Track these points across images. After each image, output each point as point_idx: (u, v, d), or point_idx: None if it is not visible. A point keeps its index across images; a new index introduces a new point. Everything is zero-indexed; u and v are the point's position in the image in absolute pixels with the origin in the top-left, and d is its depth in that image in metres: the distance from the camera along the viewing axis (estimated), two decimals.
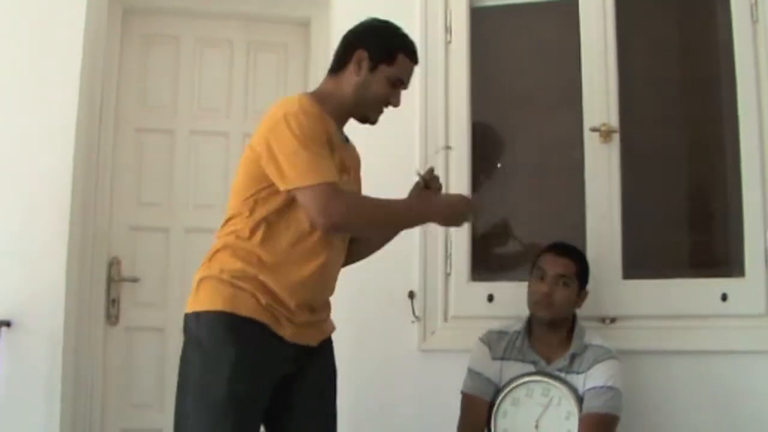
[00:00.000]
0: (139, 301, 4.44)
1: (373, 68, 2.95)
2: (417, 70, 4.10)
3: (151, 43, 4.63)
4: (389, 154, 4.04)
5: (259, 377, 2.77)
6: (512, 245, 4.27)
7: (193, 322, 2.82)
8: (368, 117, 3.02)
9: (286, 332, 2.82)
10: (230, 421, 2.69)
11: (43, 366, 3.96)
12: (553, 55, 4.33)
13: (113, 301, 4.40)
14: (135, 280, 4.43)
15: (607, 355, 3.43)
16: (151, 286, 4.44)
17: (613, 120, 3.96)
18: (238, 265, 2.81)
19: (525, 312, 3.63)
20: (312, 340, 2.94)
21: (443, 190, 3.18)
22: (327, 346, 3.07)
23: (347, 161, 2.98)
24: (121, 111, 4.52)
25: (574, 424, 3.35)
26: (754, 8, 3.87)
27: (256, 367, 2.76)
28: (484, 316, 3.90)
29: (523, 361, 3.52)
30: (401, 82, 3.01)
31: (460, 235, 4.07)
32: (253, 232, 2.82)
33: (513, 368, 3.52)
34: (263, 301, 2.78)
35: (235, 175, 2.93)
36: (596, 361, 3.41)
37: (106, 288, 4.39)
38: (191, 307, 2.84)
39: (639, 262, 3.95)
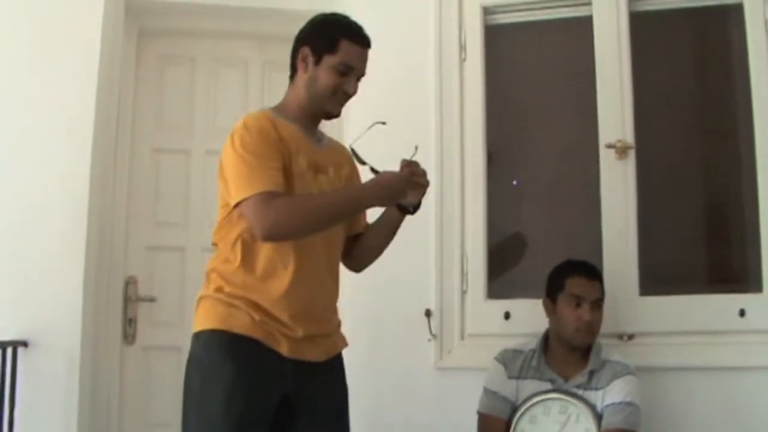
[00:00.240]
0: (155, 320, 4.45)
1: (317, 61, 2.92)
2: (432, 87, 4.14)
3: (166, 63, 4.66)
4: None
5: (256, 395, 2.76)
6: (526, 260, 4.26)
7: (194, 341, 2.86)
8: (328, 111, 2.98)
9: (283, 348, 2.82)
10: None
11: (61, 385, 3.97)
12: (567, 71, 4.34)
13: (130, 320, 4.41)
14: (152, 299, 4.44)
15: (625, 370, 3.42)
16: (167, 306, 4.45)
17: (629, 136, 3.95)
18: (227, 287, 2.84)
19: (542, 330, 3.62)
20: (313, 356, 2.90)
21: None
22: (335, 363, 3.03)
23: (322, 161, 2.96)
24: (138, 131, 4.55)
25: None
26: None
27: (253, 385, 2.76)
28: (501, 334, 3.88)
29: (539, 379, 3.51)
30: (350, 68, 2.93)
31: (476, 253, 4.07)
32: (233, 253, 2.86)
33: (529, 387, 3.51)
34: (257, 317, 2.79)
35: None
36: (614, 377, 3.40)
37: (122, 307, 4.41)
38: (193, 327, 2.89)
39: (656, 279, 3.94)
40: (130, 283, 4.43)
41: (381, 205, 2.96)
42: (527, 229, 4.37)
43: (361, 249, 3.14)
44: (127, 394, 4.37)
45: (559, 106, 4.33)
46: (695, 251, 4.18)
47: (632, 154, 3.94)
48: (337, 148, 3.12)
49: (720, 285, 3.98)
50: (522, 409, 3.46)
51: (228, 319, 2.80)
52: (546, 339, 3.60)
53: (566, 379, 3.48)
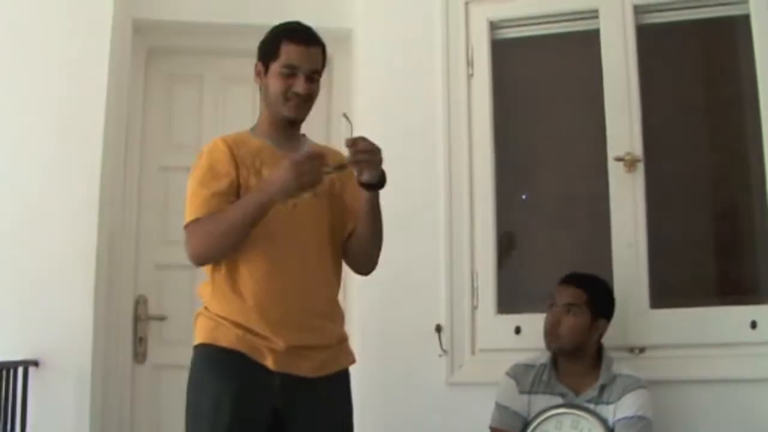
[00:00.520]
0: (166, 339, 4.45)
1: (266, 71, 2.96)
2: (439, 103, 4.14)
3: (175, 81, 4.68)
4: (413, 187, 4.05)
5: (243, 407, 2.77)
6: (537, 274, 4.26)
7: (191, 357, 2.92)
8: (284, 116, 2.96)
9: (268, 361, 2.81)
10: None
11: (71, 404, 3.97)
12: (575, 85, 4.34)
13: (140, 339, 4.41)
14: (162, 318, 4.44)
15: (636, 384, 3.40)
16: (178, 324, 4.44)
17: (637, 149, 3.95)
18: (210, 307, 2.90)
19: None
20: (304, 370, 2.85)
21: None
22: (337, 380, 2.96)
23: None
24: (146, 149, 4.56)
25: None
26: None
27: (239, 398, 2.77)
28: (512, 349, 3.87)
29: (551, 393, 3.50)
30: (294, 68, 2.91)
31: (486, 268, 4.06)
32: (210, 274, 2.92)
33: (541, 401, 3.50)
34: (240, 332, 2.82)
35: None
36: (626, 391, 3.38)
37: (133, 326, 4.42)
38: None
39: (666, 291, 3.93)
40: (140, 302, 4.44)
41: (279, 198, 2.78)
42: (537, 243, 4.37)
43: (353, 242, 3.02)
44: (138, 412, 4.37)
45: (567, 120, 4.33)
46: (705, 263, 4.17)
47: (641, 166, 3.93)
48: (322, 153, 2.98)
49: (731, 297, 3.97)
50: (534, 424, 3.45)
51: (213, 332, 2.85)
52: (555, 353, 3.59)
53: (577, 393, 3.47)
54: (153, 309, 4.45)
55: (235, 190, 2.87)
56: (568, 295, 3.56)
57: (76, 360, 4.00)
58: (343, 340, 3.03)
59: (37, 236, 4.06)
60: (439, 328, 4.03)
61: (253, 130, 3.03)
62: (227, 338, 2.82)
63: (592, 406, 3.41)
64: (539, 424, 3.44)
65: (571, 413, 3.41)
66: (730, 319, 3.79)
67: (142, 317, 4.42)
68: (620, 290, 3.77)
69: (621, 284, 3.83)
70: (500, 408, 3.55)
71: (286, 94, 2.92)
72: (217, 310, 2.87)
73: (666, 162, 4.10)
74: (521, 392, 3.54)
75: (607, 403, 3.40)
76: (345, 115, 3.02)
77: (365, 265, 3.09)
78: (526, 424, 3.48)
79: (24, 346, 3.96)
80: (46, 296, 4.02)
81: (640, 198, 3.93)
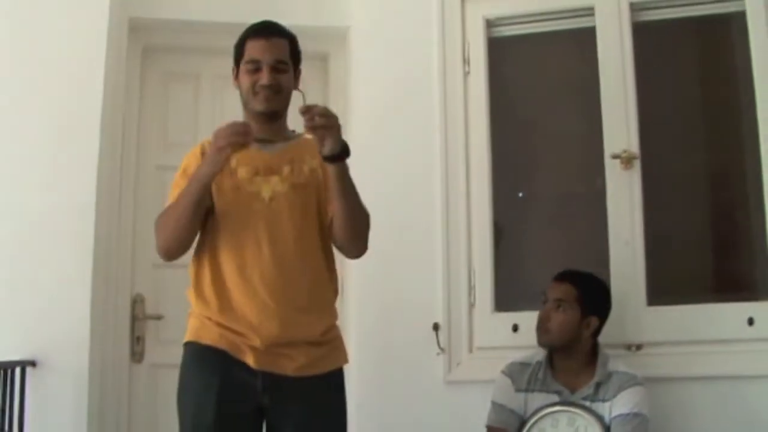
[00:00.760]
0: (163, 338, 4.44)
1: (237, 73, 3.03)
2: (436, 101, 4.15)
3: (171, 80, 4.67)
4: (410, 186, 4.06)
5: (225, 404, 2.80)
6: (534, 272, 4.26)
7: None
8: (256, 110, 2.99)
9: (249, 359, 2.83)
10: None
11: (69, 405, 3.96)
12: (571, 82, 4.35)
13: (138, 338, 4.41)
14: (159, 317, 4.44)
15: (632, 381, 3.41)
16: (175, 324, 4.41)
17: (634, 146, 3.95)
18: (199, 304, 2.94)
19: None
20: (287, 369, 2.85)
21: None
22: (326, 380, 2.93)
23: (273, 163, 2.95)
24: (143, 148, 4.55)
25: None
26: None
27: (221, 394, 2.80)
28: (510, 347, 3.87)
29: (547, 391, 3.50)
30: (257, 62, 2.97)
31: (483, 266, 4.07)
32: (194, 275, 2.98)
33: (537, 399, 3.51)
34: (221, 330, 2.86)
35: None
36: (621, 389, 3.39)
37: (130, 326, 4.41)
38: None
39: (663, 289, 3.94)
40: (137, 301, 4.43)
41: (208, 168, 2.80)
42: (534, 241, 4.37)
43: (335, 224, 2.95)
44: (136, 412, 4.37)
45: (563, 117, 4.34)
46: (702, 260, 4.18)
47: (638, 164, 3.94)
48: (301, 145, 3.03)
49: (727, 294, 3.97)
50: (530, 423, 3.46)
51: (197, 331, 2.92)
52: (550, 351, 3.60)
53: (573, 390, 3.47)
54: (150, 308, 4.45)
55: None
56: (558, 291, 3.57)
57: (74, 360, 3.99)
58: (331, 335, 2.99)
59: (33, 236, 4.05)
60: (436, 327, 4.03)
61: None
62: (210, 336, 2.87)
63: (588, 404, 3.41)
64: (535, 422, 3.45)
65: (567, 411, 3.42)
66: (726, 316, 3.79)
67: (139, 317, 4.42)
68: (617, 287, 3.78)
69: (618, 281, 3.84)
70: (496, 407, 3.55)
71: (254, 89, 2.97)
72: (201, 309, 2.92)
73: (663, 159, 4.10)
74: (517, 390, 3.54)
75: (603, 401, 3.40)
76: (300, 89, 3.06)
77: (352, 245, 3.01)
78: (523, 422, 3.49)
79: (21, 346, 3.95)
80: (43, 296, 4.01)
81: (636, 195, 3.94)
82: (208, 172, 2.79)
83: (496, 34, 4.29)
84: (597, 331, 3.58)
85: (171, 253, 2.91)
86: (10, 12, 4.23)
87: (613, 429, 3.33)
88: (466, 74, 4.22)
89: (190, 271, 2.97)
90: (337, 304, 3.09)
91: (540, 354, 3.59)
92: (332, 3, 4.55)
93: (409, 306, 4.07)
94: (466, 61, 4.23)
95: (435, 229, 4.09)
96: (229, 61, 4.58)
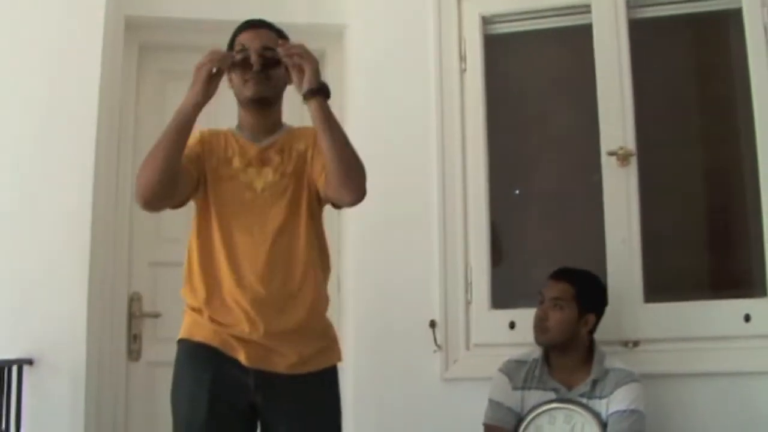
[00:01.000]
0: (160, 336, 4.43)
1: (229, 70, 2.99)
2: (432, 98, 4.15)
3: (168, 78, 4.65)
4: (407, 183, 4.06)
5: (217, 401, 2.79)
6: (530, 269, 4.26)
7: None
8: (248, 97, 2.99)
9: (241, 356, 2.82)
10: None
11: (66, 403, 3.96)
12: (568, 80, 4.35)
13: (135, 336, 4.41)
14: (156, 315, 4.43)
15: (629, 378, 3.41)
16: (172, 322, 4.39)
17: (630, 143, 3.95)
18: (191, 300, 2.94)
19: None
20: (279, 367, 2.83)
21: None
22: (320, 378, 2.91)
23: (265, 154, 2.96)
24: (139, 146, 4.53)
25: None
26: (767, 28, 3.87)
27: (213, 391, 2.80)
28: (507, 344, 3.88)
29: (543, 389, 3.51)
30: (244, 50, 2.97)
31: (480, 263, 4.07)
32: (186, 272, 2.96)
33: (534, 397, 3.51)
34: (214, 326, 2.85)
35: None
36: (618, 385, 3.39)
37: (127, 324, 4.41)
38: None
39: (660, 285, 3.94)
40: (134, 299, 4.43)
41: (190, 97, 2.87)
42: (531, 238, 4.38)
43: (327, 169, 2.83)
44: (133, 409, 4.37)
45: (560, 114, 4.34)
46: (699, 257, 4.18)
47: (634, 161, 3.94)
48: (294, 135, 3.03)
49: (724, 290, 3.98)
50: (527, 420, 3.46)
51: (190, 328, 2.92)
52: (547, 348, 3.60)
53: (569, 387, 3.48)
54: (147, 306, 4.45)
55: (192, 161, 2.95)
56: (555, 289, 3.58)
57: (71, 358, 3.99)
58: (328, 335, 2.99)
59: (31, 234, 4.05)
60: (433, 324, 4.03)
61: (236, 125, 3.10)
62: (202, 333, 2.87)
63: (584, 401, 3.42)
64: (533, 419, 3.45)
65: (564, 408, 3.42)
66: (723, 313, 3.80)
67: (136, 314, 4.42)
68: (614, 284, 3.78)
69: (615, 278, 3.84)
70: (493, 404, 3.56)
71: (245, 77, 2.96)
72: (191, 300, 2.92)
73: (659, 156, 4.10)
74: (514, 388, 3.55)
75: (600, 398, 3.41)
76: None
77: (346, 186, 2.79)
78: (520, 419, 3.49)
79: (18, 345, 3.95)
80: (40, 294, 4.01)
81: (633, 192, 3.94)
82: (190, 99, 2.84)
83: (492, 32, 4.29)
84: (593, 328, 3.58)
85: (150, 193, 2.77)
86: (7, 10, 4.23)
87: (610, 426, 3.34)
88: (463, 71, 4.22)
89: (184, 270, 2.96)
90: (334, 301, 3.09)
91: (537, 351, 3.59)
92: (329, 1, 4.55)
93: (406, 303, 4.07)
94: (462, 58, 4.23)
95: (432, 226, 4.10)
96: None
